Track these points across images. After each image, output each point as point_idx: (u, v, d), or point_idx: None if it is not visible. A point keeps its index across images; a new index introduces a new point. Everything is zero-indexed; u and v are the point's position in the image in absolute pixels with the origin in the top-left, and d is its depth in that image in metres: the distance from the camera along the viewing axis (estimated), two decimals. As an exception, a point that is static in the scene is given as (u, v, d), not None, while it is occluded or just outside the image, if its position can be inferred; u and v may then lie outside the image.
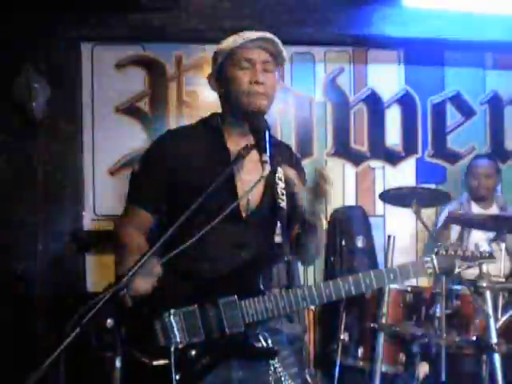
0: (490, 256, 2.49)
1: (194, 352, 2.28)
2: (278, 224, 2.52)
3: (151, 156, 2.52)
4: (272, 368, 2.37)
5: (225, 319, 2.28)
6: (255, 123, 2.42)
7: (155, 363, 2.26)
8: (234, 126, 2.51)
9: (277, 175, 2.38)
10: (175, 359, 2.24)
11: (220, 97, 2.55)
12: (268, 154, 2.35)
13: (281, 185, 2.46)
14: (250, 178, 2.42)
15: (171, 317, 2.28)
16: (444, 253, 2.45)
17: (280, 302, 2.30)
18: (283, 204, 2.45)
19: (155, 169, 2.47)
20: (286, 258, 2.44)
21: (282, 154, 2.58)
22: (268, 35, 2.44)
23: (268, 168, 2.30)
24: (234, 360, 2.33)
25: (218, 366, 2.30)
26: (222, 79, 2.49)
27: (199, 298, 2.31)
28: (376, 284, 2.36)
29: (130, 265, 2.04)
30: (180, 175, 2.42)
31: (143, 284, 2.17)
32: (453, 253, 2.45)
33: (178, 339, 2.27)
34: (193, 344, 2.28)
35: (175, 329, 2.27)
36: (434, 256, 2.43)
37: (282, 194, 2.45)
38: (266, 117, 2.48)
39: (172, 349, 2.25)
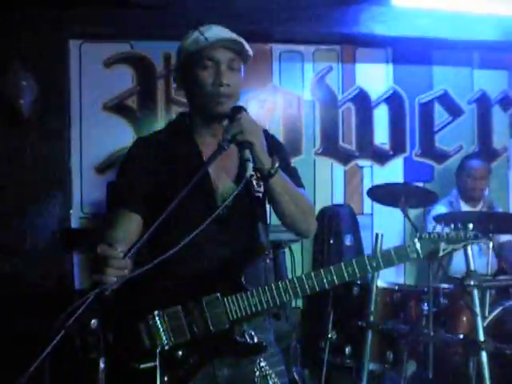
0: (476, 237, 2.43)
1: (180, 353, 2.27)
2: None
3: (127, 165, 2.48)
4: (258, 366, 2.35)
5: (209, 317, 2.26)
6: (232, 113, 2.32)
7: (143, 366, 2.24)
8: (203, 124, 2.46)
9: (247, 172, 2.21)
10: (162, 361, 2.23)
11: (186, 95, 2.50)
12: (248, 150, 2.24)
13: (255, 176, 2.37)
14: (223, 175, 2.42)
15: (155, 318, 2.26)
16: (427, 236, 2.39)
17: (263, 296, 2.28)
18: (259, 195, 2.41)
19: (133, 175, 2.43)
20: (267, 252, 2.42)
21: None
22: (229, 36, 2.37)
23: (251, 166, 2.21)
24: (220, 358, 2.32)
25: (203, 368, 2.29)
26: (185, 78, 2.44)
27: (182, 297, 2.28)
28: (359, 272, 2.31)
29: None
30: (155, 182, 2.39)
31: (112, 276, 2.09)
32: (436, 236, 2.40)
33: (164, 341, 2.25)
34: (179, 345, 2.26)
35: (160, 330, 2.25)
36: (416, 240, 2.38)
37: (259, 186, 2.40)
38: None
39: (158, 351, 2.24)
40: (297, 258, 5.39)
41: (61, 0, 4.83)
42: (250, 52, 2.42)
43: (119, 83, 5.40)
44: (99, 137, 5.35)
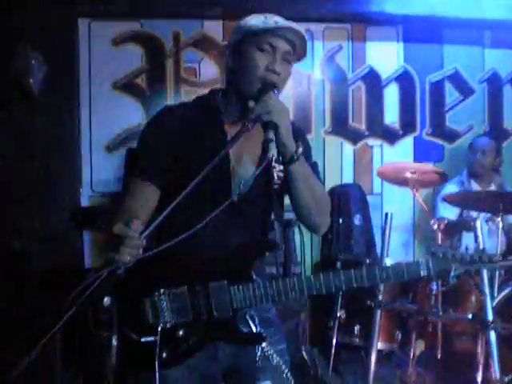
0: (490, 261, 2.36)
1: (181, 332, 2.29)
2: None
3: (150, 132, 2.45)
4: (259, 347, 2.37)
5: (213, 303, 2.27)
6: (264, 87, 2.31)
7: (143, 340, 2.26)
8: (234, 104, 2.42)
9: (270, 153, 2.18)
10: (163, 338, 2.25)
11: (230, 71, 2.44)
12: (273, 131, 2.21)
13: (277, 168, 2.37)
14: (245, 158, 2.40)
15: (161, 296, 2.28)
16: (441, 255, 2.36)
17: (269, 290, 2.28)
18: (278, 187, 2.39)
19: (155, 143, 2.40)
20: (279, 246, 2.41)
21: None
22: (297, 28, 2.34)
23: (274, 148, 2.19)
24: (221, 340, 2.33)
25: (205, 346, 2.31)
26: (238, 54, 2.37)
27: (190, 279, 2.30)
28: (368, 282, 2.31)
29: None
30: (175, 154, 2.37)
31: (126, 255, 2.10)
32: (449, 256, 2.36)
33: (167, 318, 2.27)
34: (181, 324, 2.28)
35: (164, 308, 2.27)
36: (429, 259, 2.35)
37: (279, 178, 2.38)
38: None
39: (159, 327, 2.26)
40: (306, 237, 5.39)
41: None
42: (306, 52, 2.41)
43: (128, 62, 5.40)
44: (108, 116, 5.36)
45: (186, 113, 2.46)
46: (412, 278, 2.38)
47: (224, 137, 2.40)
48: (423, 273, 2.35)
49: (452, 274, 2.37)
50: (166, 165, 2.37)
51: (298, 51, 2.40)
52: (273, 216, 2.46)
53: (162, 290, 2.28)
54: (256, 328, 2.35)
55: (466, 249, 2.38)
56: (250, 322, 2.34)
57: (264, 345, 2.37)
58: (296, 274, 4.43)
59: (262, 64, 2.31)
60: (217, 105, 2.46)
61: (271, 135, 2.20)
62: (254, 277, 2.31)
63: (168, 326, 2.27)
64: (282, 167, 2.33)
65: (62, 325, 1.78)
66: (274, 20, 2.32)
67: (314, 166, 2.50)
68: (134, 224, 2.07)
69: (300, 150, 2.28)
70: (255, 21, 2.33)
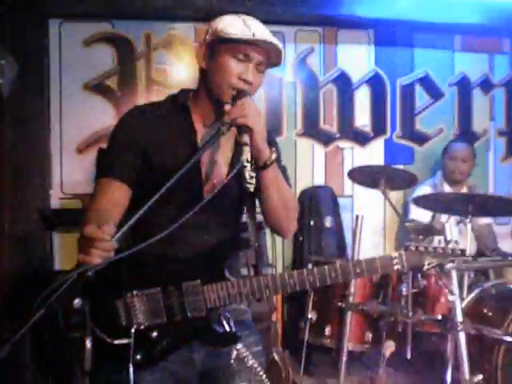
0: (463, 254, 2.38)
1: (155, 333, 2.28)
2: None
3: (119, 132, 2.44)
4: (234, 349, 2.37)
5: (187, 303, 2.27)
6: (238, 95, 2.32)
7: (116, 342, 2.25)
8: (205, 103, 2.43)
9: (244, 156, 2.20)
10: (136, 340, 2.24)
11: (202, 71, 2.43)
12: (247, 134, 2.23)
13: (248, 167, 2.36)
14: (216, 158, 2.41)
15: (134, 297, 2.27)
16: (414, 249, 2.37)
17: (243, 289, 2.28)
18: (251, 188, 2.39)
19: (125, 143, 2.39)
20: (253, 244, 2.39)
21: None
22: (275, 41, 2.34)
23: (248, 151, 2.21)
24: (196, 341, 2.33)
25: (180, 347, 2.30)
26: (211, 57, 2.37)
27: (163, 279, 2.29)
28: (342, 278, 2.32)
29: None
30: (145, 152, 2.37)
31: (97, 257, 2.08)
32: (423, 249, 2.38)
33: (140, 320, 2.26)
34: (154, 325, 2.28)
35: (137, 310, 2.26)
36: (403, 252, 2.36)
37: (251, 178, 2.37)
38: None
39: (133, 329, 2.25)
40: (277, 239, 5.41)
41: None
42: (281, 62, 2.41)
43: (100, 63, 5.36)
44: (79, 117, 5.32)
45: (155, 112, 2.47)
46: (385, 271, 2.39)
47: (194, 135, 2.41)
48: (397, 267, 2.36)
49: (425, 267, 2.38)
50: (135, 163, 2.37)
51: (273, 61, 2.41)
52: (246, 216, 2.45)
53: (134, 292, 2.27)
54: (231, 329, 2.35)
55: (439, 242, 2.40)
56: (225, 324, 2.34)
57: (239, 347, 2.37)
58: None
59: (235, 72, 2.32)
60: (187, 104, 2.47)
61: (246, 139, 2.21)
62: (228, 275, 2.31)
63: (141, 327, 2.26)
64: (251, 165, 2.34)
65: (31, 326, 1.77)
66: (253, 30, 2.31)
67: (283, 171, 2.50)
68: (106, 226, 2.06)
69: (274, 155, 2.30)
70: (234, 28, 2.31)
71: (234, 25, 2.32)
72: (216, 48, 2.35)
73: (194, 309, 2.27)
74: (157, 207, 2.08)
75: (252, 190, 2.40)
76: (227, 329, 2.34)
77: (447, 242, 2.41)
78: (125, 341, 2.24)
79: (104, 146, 2.53)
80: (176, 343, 2.29)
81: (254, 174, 2.35)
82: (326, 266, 2.32)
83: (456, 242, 2.42)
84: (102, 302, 2.27)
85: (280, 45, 2.36)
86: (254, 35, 2.29)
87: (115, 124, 2.49)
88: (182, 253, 2.33)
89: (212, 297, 2.28)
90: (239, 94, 2.29)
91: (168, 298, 2.28)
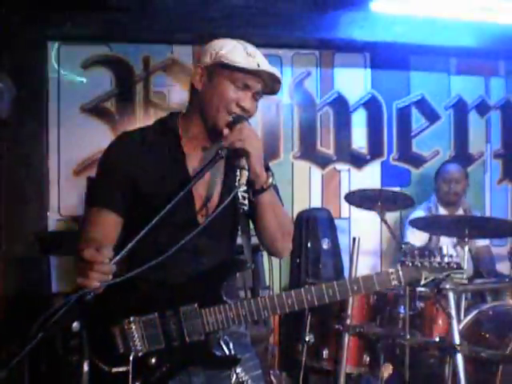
0: (458, 267, 2.37)
1: (153, 360, 2.26)
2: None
3: (108, 159, 2.44)
4: (234, 372, 2.35)
5: (185, 327, 2.25)
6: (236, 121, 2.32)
7: (114, 370, 2.23)
8: (196, 126, 2.41)
9: (241, 180, 2.22)
10: (135, 367, 2.22)
11: (197, 93, 2.39)
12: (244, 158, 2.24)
13: (241, 188, 2.30)
14: (206, 179, 2.39)
15: (131, 324, 2.25)
16: (410, 264, 2.37)
17: (241, 311, 2.27)
18: (244, 207, 2.35)
19: (113, 172, 2.39)
20: (249, 265, 2.36)
21: None
22: (277, 73, 2.35)
23: (246, 175, 2.22)
24: (193, 368, 2.31)
25: (179, 372, 2.28)
26: (209, 80, 2.35)
27: (160, 304, 2.28)
28: (339, 295, 2.32)
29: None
30: (134, 180, 2.35)
31: (95, 281, 2.05)
32: (419, 264, 2.37)
33: (138, 347, 2.24)
34: (153, 352, 2.26)
35: (135, 336, 2.24)
36: (399, 267, 2.36)
37: (244, 199, 2.32)
38: None
39: (131, 357, 2.23)
40: (274, 261, 5.40)
41: (40, 2, 4.80)
42: (278, 91, 2.42)
43: (98, 86, 5.39)
44: (77, 139, 5.33)
45: (144, 137, 2.45)
46: (383, 287, 2.38)
47: (183, 160, 2.39)
48: (394, 282, 2.35)
49: (422, 282, 2.38)
50: (125, 191, 2.36)
51: (270, 90, 2.41)
52: (241, 238, 2.44)
53: (131, 318, 2.25)
54: (230, 352, 2.33)
55: (434, 256, 2.39)
56: (224, 347, 2.32)
57: (239, 370, 2.35)
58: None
59: (233, 98, 2.31)
60: (175, 127, 2.44)
61: (243, 163, 2.22)
62: (225, 298, 2.29)
63: (140, 354, 2.25)
64: (245, 187, 2.30)
65: (30, 350, 1.76)
66: (257, 60, 2.31)
67: (276, 191, 2.50)
68: (105, 249, 2.06)
69: (271, 180, 2.32)
70: (238, 56, 2.30)
71: (237, 52, 2.31)
72: (216, 72, 2.34)
73: (193, 333, 2.26)
74: (152, 232, 2.08)
75: (245, 210, 2.37)
76: (227, 352, 2.32)
77: (442, 256, 2.40)
78: (123, 368, 2.22)
79: (93, 174, 2.52)
80: (175, 369, 2.27)
81: (246, 195, 2.32)
82: (324, 284, 2.32)
83: (451, 256, 2.41)
84: (99, 330, 2.25)
85: (280, 77, 2.37)
86: (258, 66, 2.30)
87: (103, 152, 2.49)
88: (178, 277, 2.31)
89: (210, 320, 2.26)
90: (237, 119, 2.29)
91: (166, 324, 2.26)
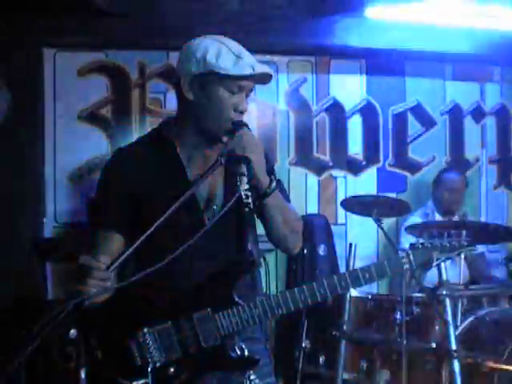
0: (469, 245, 2.40)
1: (172, 369, 2.24)
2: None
3: (106, 179, 2.43)
4: (247, 379, 2.31)
5: (200, 333, 2.23)
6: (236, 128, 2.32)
7: None
8: (192, 135, 2.39)
9: (241, 187, 2.20)
10: (154, 378, 2.21)
11: (189, 103, 2.34)
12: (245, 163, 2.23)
13: (244, 178, 2.25)
14: (209, 181, 2.37)
15: (146, 335, 2.23)
16: (420, 246, 2.36)
17: (255, 311, 2.26)
18: (249, 205, 2.30)
19: (114, 190, 2.38)
20: (259, 264, 2.37)
21: None
22: (269, 71, 2.33)
23: (245, 181, 2.20)
24: (209, 374, 2.29)
25: (199, 379, 2.26)
26: (201, 90, 2.30)
27: (172, 312, 2.26)
28: (352, 286, 2.34)
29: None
30: (136, 193, 2.34)
31: (92, 287, 2.04)
32: (429, 245, 2.36)
33: (155, 358, 2.23)
34: (170, 361, 2.24)
35: (151, 348, 2.23)
36: (410, 251, 2.36)
37: (247, 197, 2.28)
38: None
39: (149, 368, 2.21)
40: (270, 268, 5.39)
41: (35, 9, 4.80)
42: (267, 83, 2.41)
43: (94, 92, 5.39)
44: (73, 146, 5.33)
45: (139, 151, 2.43)
46: (395, 272, 2.38)
47: (181, 167, 2.38)
48: (405, 266, 2.35)
49: (435, 263, 2.37)
50: (128, 208, 2.36)
51: (261, 82, 2.40)
52: (252, 240, 2.38)
53: (145, 329, 2.24)
54: (248, 353, 2.30)
55: (447, 236, 2.38)
56: (239, 353, 2.29)
57: (253, 377, 2.33)
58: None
59: (231, 105, 2.29)
60: (170, 136, 2.42)
61: (243, 169, 2.21)
62: (237, 299, 2.28)
63: (157, 365, 2.23)
64: (247, 186, 2.26)
65: (27, 357, 1.76)
66: (250, 62, 2.27)
67: (281, 188, 2.51)
68: (102, 256, 2.06)
69: (274, 184, 2.32)
70: (228, 62, 2.25)
71: (226, 57, 2.25)
72: (207, 80, 2.29)
73: (208, 338, 2.24)
74: (158, 240, 2.08)
75: (250, 208, 2.32)
76: (242, 354, 2.30)
77: (451, 235, 2.39)
78: (142, 381, 2.21)
79: (97, 176, 2.51)
80: (194, 375, 2.26)
81: (249, 193, 2.28)
82: (335, 276, 2.32)
83: (460, 235, 2.40)
84: (115, 344, 2.24)
85: (272, 72, 2.37)
86: (253, 69, 2.26)
87: (101, 170, 2.49)
88: (188, 282, 2.30)
89: (225, 324, 2.24)
90: (237, 125, 2.29)
91: (180, 332, 2.24)
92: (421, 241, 2.39)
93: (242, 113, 2.32)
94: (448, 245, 2.39)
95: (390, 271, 2.35)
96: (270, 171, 2.39)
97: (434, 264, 2.39)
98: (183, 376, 2.25)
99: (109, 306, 2.03)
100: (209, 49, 2.28)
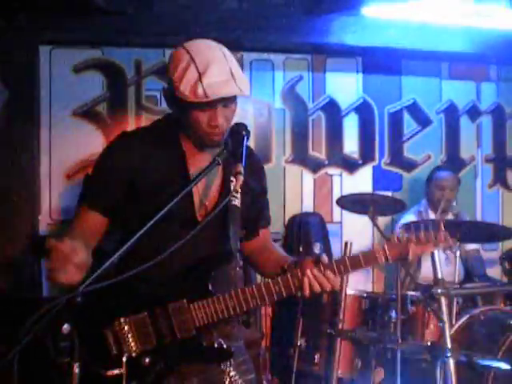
0: (446, 239, 2.36)
1: (147, 359, 2.25)
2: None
3: (106, 159, 2.44)
4: (227, 376, 2.35)
5: (175, 324, 2.25)
6: (234, 132, 2.34)
7: (110, 373, 2.22)
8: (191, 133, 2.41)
9: (237, 186, 2.23)
10: (129, 368, 2.22)
11: (173, 112, 2.43)
12: (244, 163, 2.26)
13: (235, 182, 2.28)
14: (207, 180, 2.39)
15: (122, 325, 2.25)
16: (396, 240, 2.35)
17: (229, 302, 2.26)
18: (236, 202, 2.37)
19: (108, 171, 2.39)
20: (237, 257, 2.38)
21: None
22: (230, 91, 2.24)
23: (241, 179, 2.22)
24: (188, 367, 2.31)
25: (171, 376, 2.28)
26: (175, 104, 2.34)
27: (149, 302, 2.28)
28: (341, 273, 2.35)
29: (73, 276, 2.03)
30: (132, 180, 2.35)
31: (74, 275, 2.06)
32: (405, 239, 2.34)
33: (131, 348, 2.24)
34: (146, 351, 2.25)
35: (127, 337, 2.24)
36: (385, 245, 2.34)
37: (236, 192, 2.33)
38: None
39: (124, 358, 2.23)
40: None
41: (31, 5, 4.79)
42: (248, 92, 2.29)
43: (89, 89, 5.38)
44: (68, 143, 5.32)
45: (144, 137, 2.45)
46: (370, 266, 2.38)
47: (183, 157, 2.40)
48: (380, 260, 2.34)
49: (410, 257, 2.36)
50: (120, 191, 2.36)
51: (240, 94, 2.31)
52: (230, 229, 2.40)
53: (122, 319, 2.25)
54: (223, 345, 2.31)
55: (424, 229, 2.36)
56: (216, 345, 2.31)
57: (232, 374, 2.34)
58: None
59: (204, 122, 2.28)
60: (175, 127, 2.44)
61: (240, 168, 2.24)
62: (211, 289, 2.28)
63: (133, 355, 2.24)
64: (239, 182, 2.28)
65: (19, 352, 1.76)
66: (205, 90, 2.19)
67: (266, 203, 2.66)
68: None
69: None
70: (187, 88, 2.22)
71: (187, 81, 2.22)
72: (177, 99, 2.29)
73: (183, 329, 2.25)
74: (150, 232, 2.07)
75: (237, 205, 2.38)
76: (221, 345, 2.31)
77: (427, 228, 2.37)
78: (117, 371, 2.22)
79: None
80: (170, 367, 2.27)
81: (239, 190, 2.31)
82: (309, 270, 2.31)
83: (444, 230, 2.38)
84: (91, 333, 2.24)
85: (237, 89, 2.25)
86: (205, 95, 2.20)
87: (102, 150, 2.49)
88: (166, 272, 2.30)
89: (199, 314, 2.25)
90: (235, 129, 2.35)
91: (156, 322, 2.26)
92: (396, 234, 2.37)
93: (217, 127, 2.28)
94: (424, 237, 2.36)
95: (364, 264, 2.34)
96: (263, 191, 2.50)
97: (410, 258, 2.36)
98: (159, 366, 2.26)
99: (86, 295, 2.02)
100: (178, 66, 2.28)
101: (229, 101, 2.29)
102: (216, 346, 2.31)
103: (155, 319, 2.26)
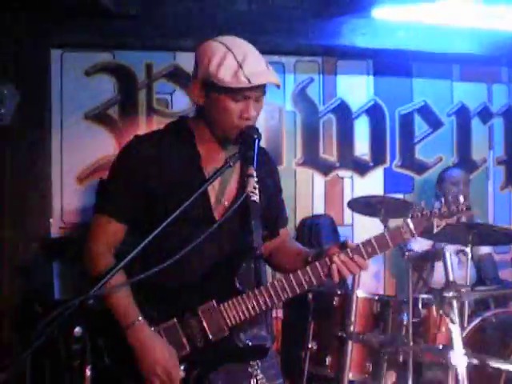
0: (468, 209, 2.37)
1: (183, 367, 2.23)
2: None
3: (121, 164, 2.41)
4: (255, 379, 2.33)
5: (207, 326, 2.23)
6: (246, 135, 2.32)
7: None
8: (207, 134, 2.39)
9: (248, 188, 2.23)
10: None
11: (200, 108, 2.39)
12: (254, 166, 2.25)
13: (251, 180, 2.27)
14: (226, 178, 2.39)
15: None
16: (419, 214, 2.36)
17: (260, 297, 2.23)
18: (255, 198, 2.31)
19: (125, 177, 2.37)
20: (261, 250, 2.32)
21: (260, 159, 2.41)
22: (269, 79, 2.30)
23: (253, 183, 2.22)
24: (216, 374, 2.27)
25: (210, 373, 2.25)
26: (206, 96, 2.31)
27: (176, 306, 2.26)
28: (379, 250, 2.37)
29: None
30: (149, 182, 2.33)
31: None
32: (428, 212, 2.36)
33: None
34: (181, 358, 2.23)
35: None
36: (409, 220, 2.35)
37: (254, 188, 2.29)
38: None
39: None
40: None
41: (43, 9, 4.81)
42: (280, 84, 2.35)
43: (101, 92, 5.39)
44: (80, 146, 5.34)
45: (158, 139, 2.43)
46: (397, 243, 2.38)
47: (198, 159, 2.38)
48: (405, 236, 2.35)
49: (435, 230, 2.35)
50: (137, 195, 2.34)
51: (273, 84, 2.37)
52: (255, 227, 2.36)
53: (152, 329, 2.23)
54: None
55: (441, 203, 2.38)
56: (250, 343, 2.29)
57: (260, 377, 2.32)
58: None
59: (236, 113, 2.28)
60: (190, 129, 2.43)
61: (251, 170, 2.23)
62: (239, 287, 2.26)
63: None
64: (256, 179, 2.29)
65: (32, 354, 1.76)
66: (247, 73, 2.23)
67: (282, 204, 2.64)
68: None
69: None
70: (226, 74, 2.23)
71: (226, 68, 2.24)
72: (210, 87, 2.30)
73: (216, 330, 2.23)
74: (166, 233, 2.05)
75: (257, 200, 2.34)
76: (255, 343, 2.29)
77: (448, 202, 2.38)
78: None
79: (105, 176, 2.51)
80: (206, 371, 2.25)
81: (256, 186, 2.30)
82: (336, 255, 2.32)
83: (458, 201, 2.38)
84: (121, 345, 2.21)
85: (275, 77, 2.32)
86: (249, 81, 2.23)
87: (116, 155, 2.48)
88: (192, 275, 2.29)
89: (231, 314, 2.23)
90: (244, 140, 2.31)
91: (187, 327, 2.24)
92: (419, 209, 2.38)
93: (248, 119, 2.30)
94: (447, 210, 2.36)
95: (391, 242, 2.34)
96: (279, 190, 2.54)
97: (435, 231, 2.37)
98: (196, 372, 2.24)
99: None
100: (213, 56, 2.29)
101: (261, 95, 2.32)
102: (250, 344, 2.28)
103: (185, 325, 2.24)
